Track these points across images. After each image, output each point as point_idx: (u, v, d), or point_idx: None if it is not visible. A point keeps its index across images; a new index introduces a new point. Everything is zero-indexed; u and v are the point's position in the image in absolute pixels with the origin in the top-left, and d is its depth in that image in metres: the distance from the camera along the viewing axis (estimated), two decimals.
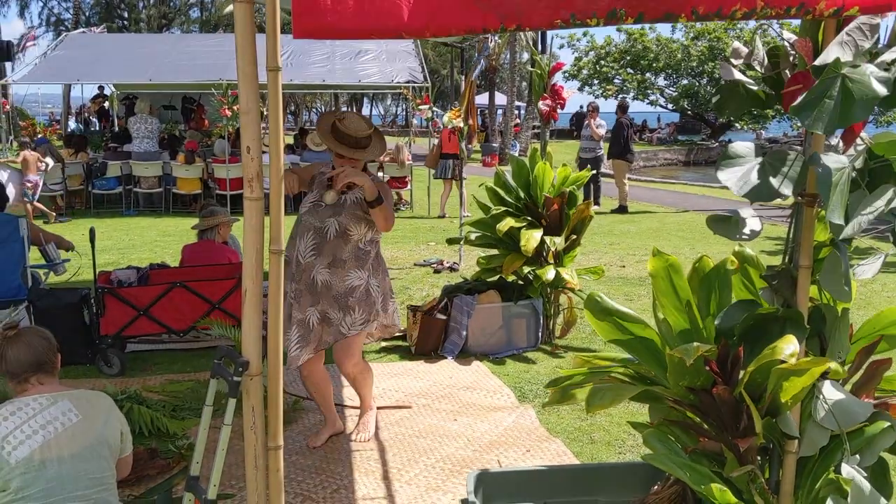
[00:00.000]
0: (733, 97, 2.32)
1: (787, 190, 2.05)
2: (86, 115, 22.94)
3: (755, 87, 2.29)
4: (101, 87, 20.34)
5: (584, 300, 2.67)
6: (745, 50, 2.32)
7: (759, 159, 2.09)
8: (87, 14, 43.36)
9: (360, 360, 4.06)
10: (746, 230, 2.20)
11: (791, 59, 2.28)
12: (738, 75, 2.30)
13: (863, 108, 1.89)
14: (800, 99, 1.95)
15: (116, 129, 17.22)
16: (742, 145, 2.13)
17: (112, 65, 14.71)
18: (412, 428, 4.28)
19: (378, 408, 4.51)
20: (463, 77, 9.13)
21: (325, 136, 3.70)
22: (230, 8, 2.15)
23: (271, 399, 2.30)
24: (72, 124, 23.41)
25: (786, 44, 2.28)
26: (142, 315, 5.11)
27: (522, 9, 1.96)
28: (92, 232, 5.05)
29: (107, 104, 20.54)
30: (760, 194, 2.04)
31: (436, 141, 12.89)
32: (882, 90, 1.89)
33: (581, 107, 14.34)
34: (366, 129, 3.69)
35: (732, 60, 2.37)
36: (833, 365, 2.11)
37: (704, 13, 1.92)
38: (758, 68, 2.34)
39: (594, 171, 13.26)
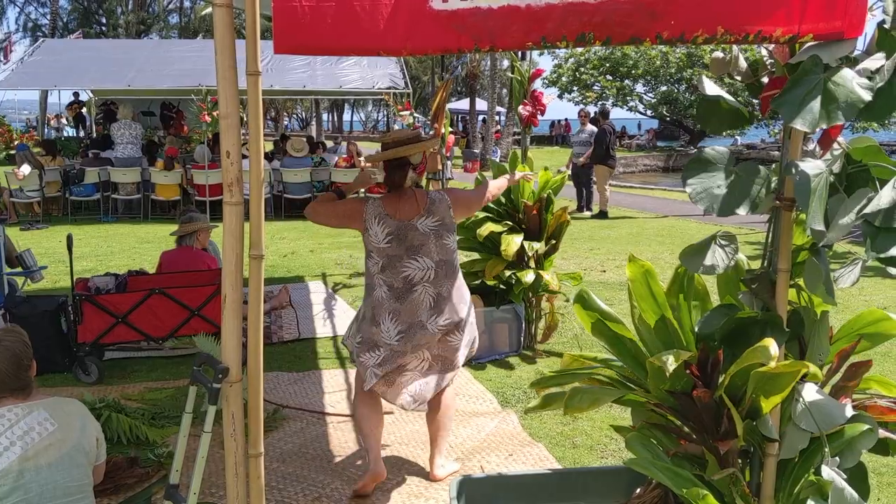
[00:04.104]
0: (714, 112, 2.32)
1: (744, 209, 2.05)
2: (58, 122, 22.65)
3: (736, 105, 2.29)
4: (76, 94, 20.15)
5: (575, 296, 2.69)
6: (724, 59, 2.34)
7: (731, 170, 2.08)
8: (64, 20, 43.01)
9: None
10: (718, 262, 2.19)
11: (769, 66, 2.30)
12: (714, 90, 2.30)
13: (847, 110, 1.91)
14: (781, 94, 1.98)
15: (94, 135, 17.07)
16: (715, 152, 2.12)
17: (90, 71, 14.59)
18: (394, 434, 4.27)
19: None
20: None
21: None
22: (209, 10, 2.15)
23: (251, 406, 2.28)
24: (66, 131, 23.05)
25: (763, 51, 2.31)
26: (120, 322, 5.05)
27: (496, 32, 2.06)
28: (69, 239, 4.99)
29: (84, 110, 20.36)
30: (724, 210, 2.05)
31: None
32: (866, 95, 1.92)
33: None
34: (394, 135, 3.52)
35: (712, 70, 2.38)
36: (812, 368, 2.13)
37: (668, 38, 2.03)
38: (737, 77, 2.36)
39: (572, 174, 13.35)
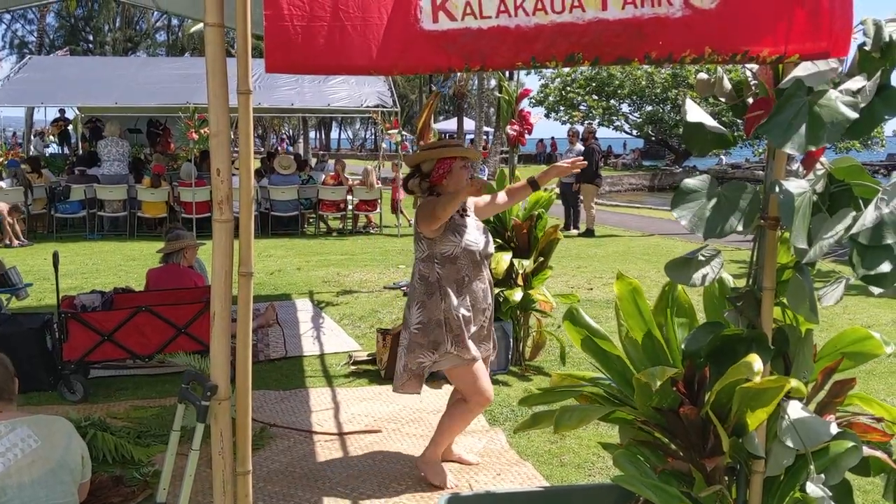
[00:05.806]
0: (699, 135, 2.35)
1: (741, 226, 2.09)
2: (42, 138, 22.53)
3: (720, 129, 2.32)
4: (61, 111, 20.08)
5: (564, 313, 2.71)
6: (709, 80, 2.37)
7: (715, 193, 2.11)
8: (51, 37, 42.94)
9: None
10: (704, 274, 2.22)
11: (753, 87, 2.34)
12: (696, 115, 2.33)
13: (833, 130, 1.95)
14: (768, 118, 2.01)
15: (80, 152, 17.00)
16: (696, 180, 2.16)
17: (77, 88, 14.57)
18: (382, 452, 4.25)
19: (347, 433, 4.49)
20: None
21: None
22: (198, 27, 2.18)
23: (240, 424, 2.27)
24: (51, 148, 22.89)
25: (748, 72, 2.34)
26: (106, 340, 5.02)
27: (486, 52, 2.09)
28: (55, 256, 4.96)
29: (70, 127, 20.26)
30: (713, 231, 2.08)
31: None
32: (851, 114, 1.95)
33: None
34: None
35: (697, 91, 2.41)
36: (795, 383, 2.14)
37: (656, 58, 2.07)
38: (721, 98, 2.39)
39: (560, 192, 13.48)
